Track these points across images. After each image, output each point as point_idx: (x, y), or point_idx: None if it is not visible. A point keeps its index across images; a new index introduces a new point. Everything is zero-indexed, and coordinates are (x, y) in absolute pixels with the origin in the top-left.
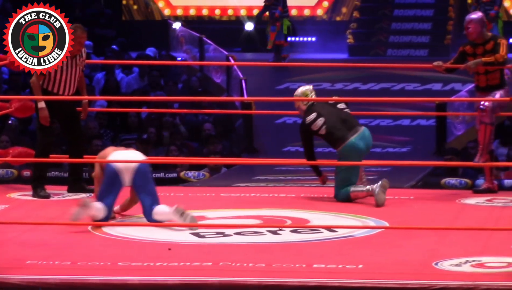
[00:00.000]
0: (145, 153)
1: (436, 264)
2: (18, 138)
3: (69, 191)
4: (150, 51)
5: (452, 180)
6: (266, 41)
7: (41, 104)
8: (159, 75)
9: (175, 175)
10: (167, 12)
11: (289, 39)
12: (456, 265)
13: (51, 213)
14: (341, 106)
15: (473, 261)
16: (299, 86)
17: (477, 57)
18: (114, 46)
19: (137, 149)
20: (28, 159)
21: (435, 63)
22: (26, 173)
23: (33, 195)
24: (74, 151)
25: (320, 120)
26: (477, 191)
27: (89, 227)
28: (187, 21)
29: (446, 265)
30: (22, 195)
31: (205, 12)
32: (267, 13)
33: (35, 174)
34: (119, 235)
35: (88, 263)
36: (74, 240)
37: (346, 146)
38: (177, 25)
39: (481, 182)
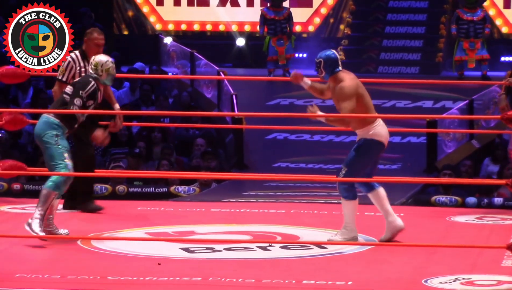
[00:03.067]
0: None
1: (425, 281)
2: (7, 151)
3: (78, 208)
4: (138, 65)
5: (442, 198)
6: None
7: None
8: (150, 89)
9: (165, 189)
10: (158, 27)
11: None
12: (446, 282)
13: None
14: None
15: (463, 278)
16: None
17: None
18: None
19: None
20: (19, 172)
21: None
22: (16, 186)
23: (83, 210)
24: (87, 166)
25: None
26: None
27: (79, 241)
28: (178, 36)
29: (436, 282)
30: (12, 208)
31: (196, 27)
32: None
33: (83, 188)
34: (109, 249)
35: (78, 277)
36: (64, 253)
37: None
38: (168, 40)
39: (471, 200)
